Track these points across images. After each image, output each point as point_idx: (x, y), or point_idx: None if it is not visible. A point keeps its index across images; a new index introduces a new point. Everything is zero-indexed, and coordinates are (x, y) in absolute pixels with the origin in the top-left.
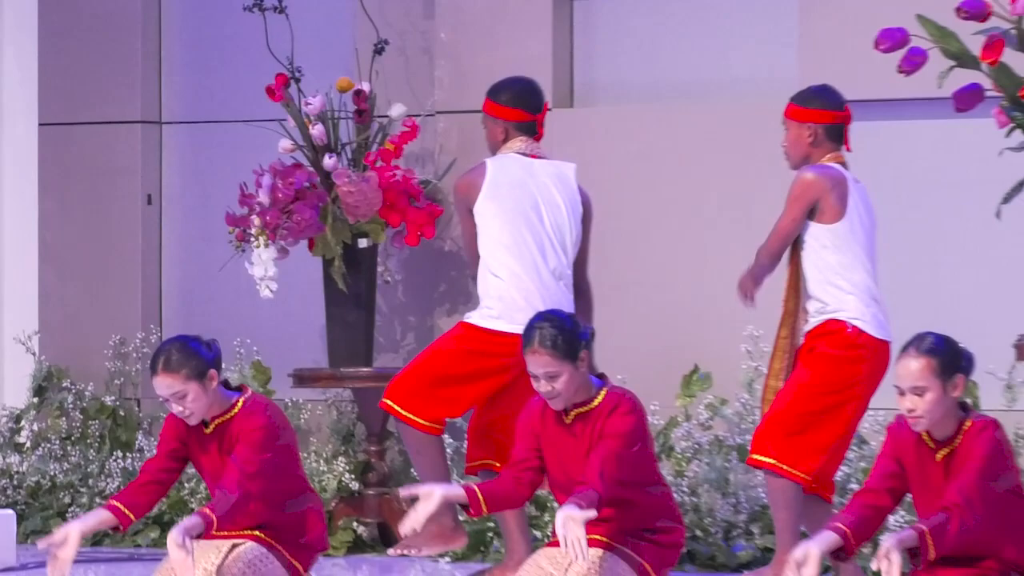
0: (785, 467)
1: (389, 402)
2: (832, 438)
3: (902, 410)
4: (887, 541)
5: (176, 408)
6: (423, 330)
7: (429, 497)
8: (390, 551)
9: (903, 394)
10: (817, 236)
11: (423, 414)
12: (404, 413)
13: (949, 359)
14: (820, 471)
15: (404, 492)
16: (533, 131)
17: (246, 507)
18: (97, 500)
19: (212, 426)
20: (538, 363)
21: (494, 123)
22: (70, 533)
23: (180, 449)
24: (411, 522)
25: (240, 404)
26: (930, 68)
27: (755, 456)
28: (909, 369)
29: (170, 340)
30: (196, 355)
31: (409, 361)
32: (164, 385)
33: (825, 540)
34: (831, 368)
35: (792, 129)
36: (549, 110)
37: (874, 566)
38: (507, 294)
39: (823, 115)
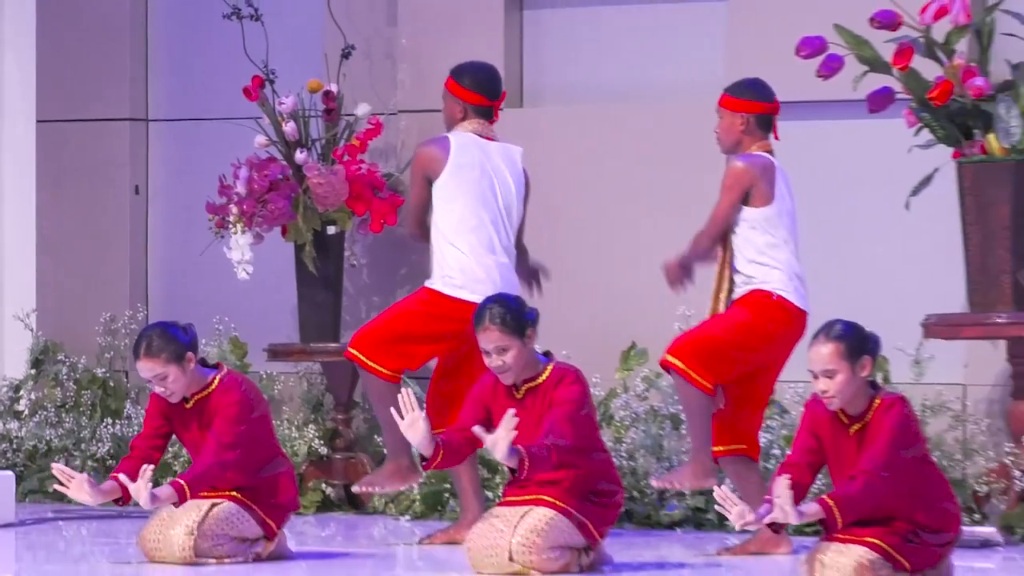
0: (692, 373)
1: (355, 351)
2: (735, 372)
3: (817, 391)
4: (791, 516)
5: (158, 389)
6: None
7: (415, 424)
8: (354, 488)
9: (816, 377)
10: (748, 219)
11: (385, 365)
12: (368, 363)
13: (856, 343)
14: (738, 426)
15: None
16: (490, 115)
17: (222, 475)
18: (89, 463)
19: (192, 402)
20: (489, 339)
21: (454, 102)
22: (84, 488)
23: (164, 425)
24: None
25: (217, 381)
26: (846, 73)
27: (668, 357)
28: (820, 354)
29: (150, 327)
30: (174, 340)
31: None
32: (146, 368)
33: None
34: (756, 318)
35: (725, 117)
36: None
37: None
38: (468, 267)
39: (755, 106)
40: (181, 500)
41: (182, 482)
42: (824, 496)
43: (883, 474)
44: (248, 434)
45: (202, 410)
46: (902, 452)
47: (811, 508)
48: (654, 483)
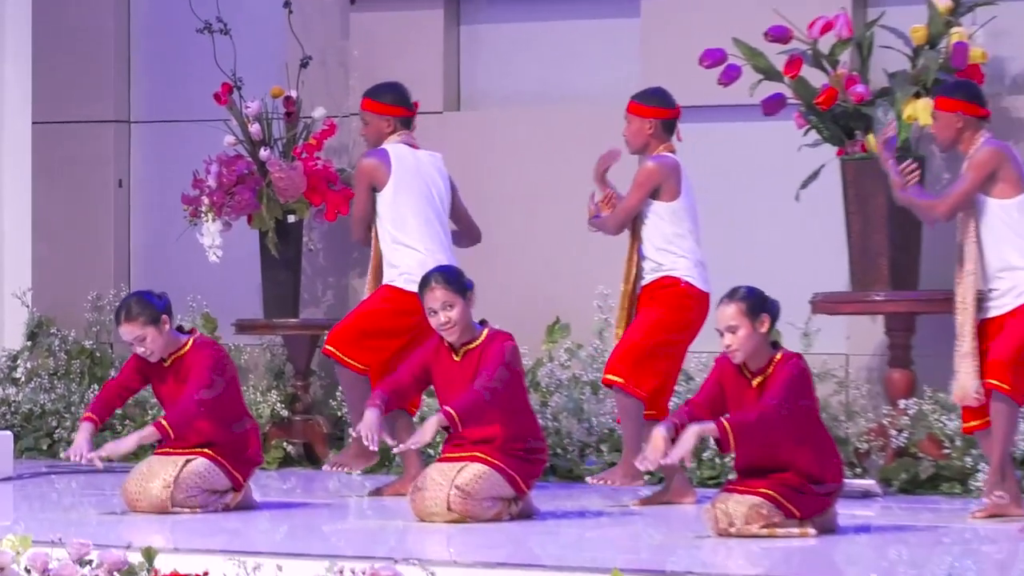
0: (632, 386)
1: (331, 348)
2: (665, 366)
3: (723, 347)
4: (689, 430)
5: (139, 350)
6: (339, 288)
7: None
8: (325, 467)
9: (722, 334)
10: (657, 212)
11: (358, 359)
12: (343, 357)
13: (755, 303)
14: (656, 395)
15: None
16: (410, 125)
17: (197, 420)
18: (75, 420)
19: (169, 361)
20: (436, 298)
21: (380, 119)
22: (84, 452)
23: (136, 381)
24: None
25: (191, 342)
26: (744, 80)
27: (608, 376)
28: (725, 313)
29: (129, 295)
30: (150, 305)
31: (343, 313)
32: (127, 331)
33: (668, 426)
34: (669, 313)
35: (634, 122)
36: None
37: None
38: (426, 263)
39: (660, 112)
40: (164, 438)
41: (164, 422)
42: (721, 418)
43: (778, 411)
44: (221, 385)
45: (178, 368)
46: (797, 399)
47: (708, 427)
48: (589, 481)
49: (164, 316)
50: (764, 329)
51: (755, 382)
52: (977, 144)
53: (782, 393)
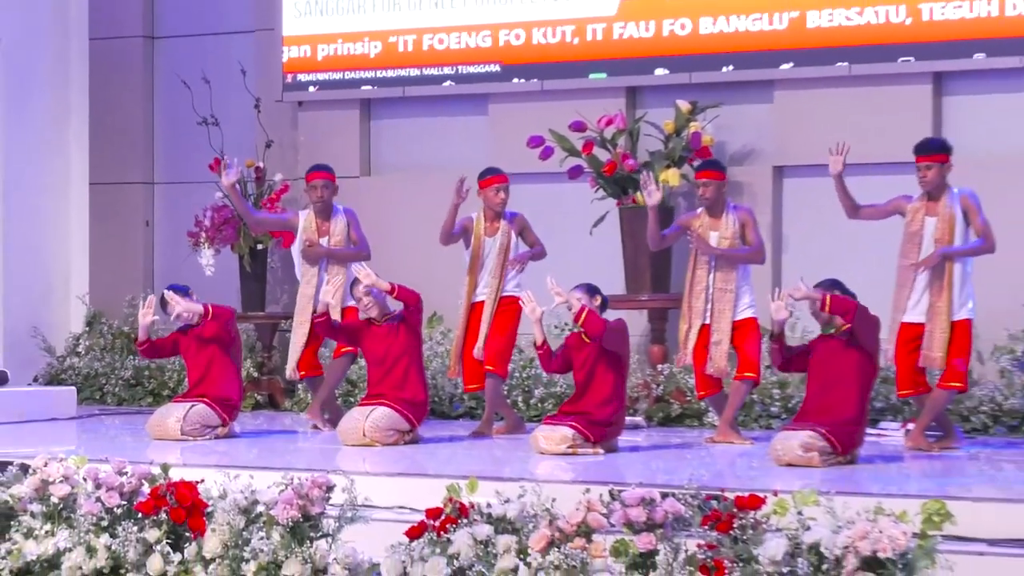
0: (499, 372)
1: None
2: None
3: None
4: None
5: (182, 316)
6: (292, 294)
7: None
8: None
9: (570, 308)
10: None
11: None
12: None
13: (593, 290)
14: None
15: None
16: None
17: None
18: (119, 381)
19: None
20: (361, 292)
21: (336, 187)
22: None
23: (170, 344)
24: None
25: (211, 309)
26: (556, 156)
27: (487, 367)
28: (574, 295)
29: (169, 286)
30: (184, 290)
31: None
32: (174, 302)
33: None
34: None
35: (480, 194)
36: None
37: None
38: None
39: (490, 182)
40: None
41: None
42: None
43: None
44: (235, 337)
45: (202, 331)
46: (613, 336)
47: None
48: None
49: (190, 290)
50: (596, 304)
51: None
52: (728, 203)
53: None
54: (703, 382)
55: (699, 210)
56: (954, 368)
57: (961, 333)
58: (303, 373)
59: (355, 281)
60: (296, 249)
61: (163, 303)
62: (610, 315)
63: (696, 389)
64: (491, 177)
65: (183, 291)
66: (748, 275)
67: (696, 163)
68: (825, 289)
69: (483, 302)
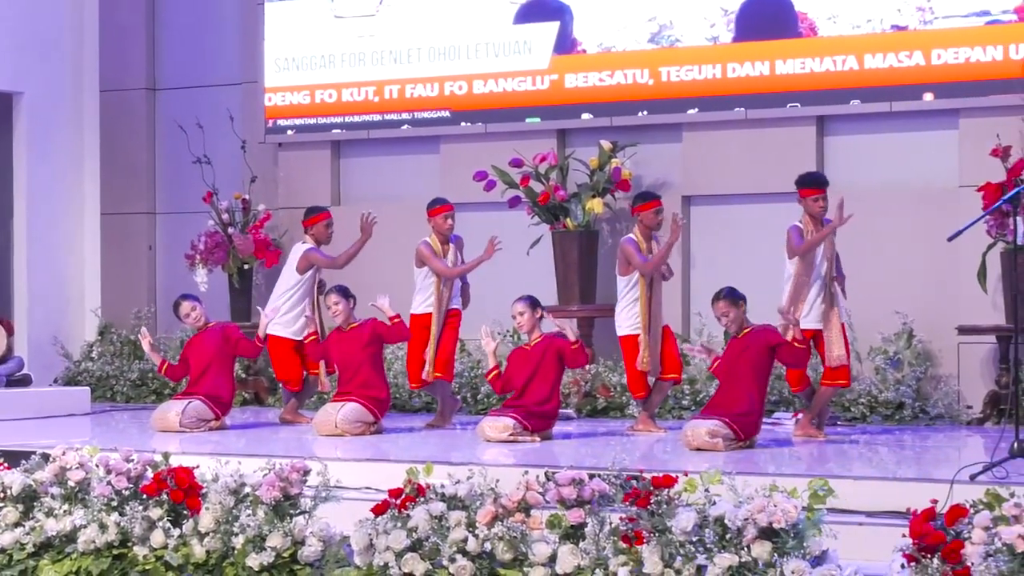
0: (447, 376)
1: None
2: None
3: (516, 325)
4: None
5: (191, 316)
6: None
7: None
8: (280, 418)
9: (514, 317)
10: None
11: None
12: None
13: (534, 302)
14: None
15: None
16: None
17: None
18: (127, 382)
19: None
20: (332, 300)
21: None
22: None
23: (183, 365)
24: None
25: (212, 324)
26: (498, 189)
27: (436, 374)
28: (516, 307)
29: (182, 295)
30: (195, 297)
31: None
32: (186, 307)
33: None
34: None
35: (430, 222)
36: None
37: None
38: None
39: (439, 211)
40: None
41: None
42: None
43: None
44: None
45: (203, 337)
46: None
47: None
48: (455, 422)
49: (201, 303)
50: (538, 316)
51: (530, 345)
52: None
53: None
54: (645, 385)
55: (631, 237)
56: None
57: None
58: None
59: (328, 291)
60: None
61: (176, 308)
62: (545, 324)
63: (639, 390)
64: (440, 207)
65: (194, 299)
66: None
67: (618, 194)
68: (725, 295)
69: (431, 314)
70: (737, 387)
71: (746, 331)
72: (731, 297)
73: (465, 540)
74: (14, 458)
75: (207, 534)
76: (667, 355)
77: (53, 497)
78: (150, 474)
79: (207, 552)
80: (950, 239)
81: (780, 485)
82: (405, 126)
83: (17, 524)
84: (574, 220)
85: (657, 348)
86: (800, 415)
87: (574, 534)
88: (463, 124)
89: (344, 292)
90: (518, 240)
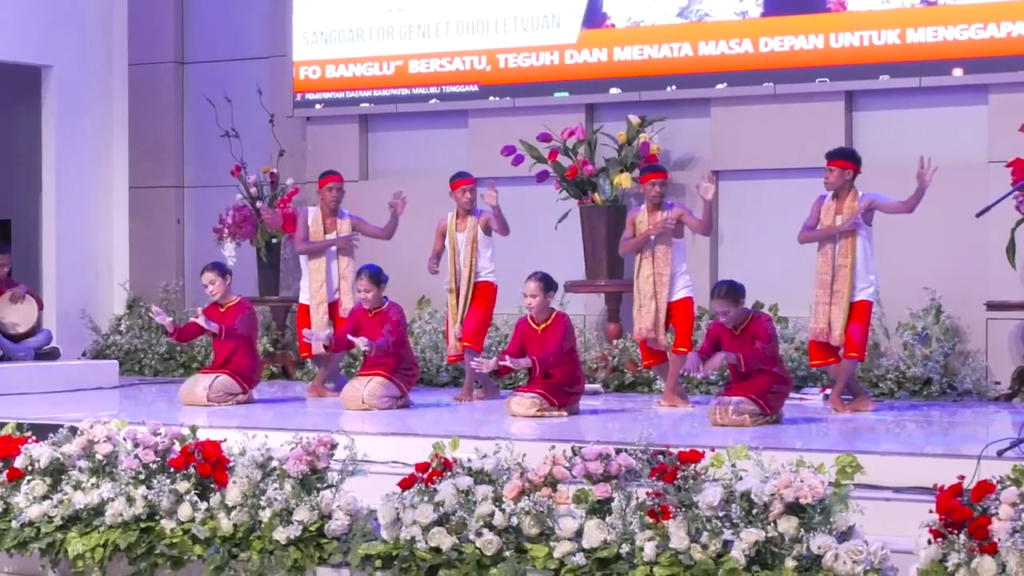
0: (476, 347)
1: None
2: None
3: (526, 305)
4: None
5: (209, 288)
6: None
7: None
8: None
9: (526, 296)
10: (488, 242)
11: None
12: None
13: (549, 282)
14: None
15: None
16: None
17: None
18: (155, 356)
19: (224, 307)
20: (361, 285)
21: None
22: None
23: (195, 327)
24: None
25: (237, 299)
26: (527, 163)
27: (465, 344)
28: (529, 286)
29: (212, 263)
30: (223, 266)
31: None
32: (207, 277)
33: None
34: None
35: (451, 195)
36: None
37: None
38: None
39: (458, 184)
40: (219, 334)
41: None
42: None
43: (551, 359)
44: (254, 325)
45: (225, 311)
46: (565, 343)
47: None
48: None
49: (228, 275)
50: (551, 298)
51: (540, 328)
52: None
53: (559, 342)
54: (648, 354)
55: (640, 207)
56: (851, 340)
57: (860, 311)
58: (305, 355)
59: (359, 275)
60: (299, 239)
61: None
62: (573, 298)
63: (642, 359)
64: (459, 180)
65: (221, 268)
66: (683, 262)
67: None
68: (725, 294)
69: (460, 287)
70: (757, 372)
71: (748, 320)
72: (731, 296)
73: (492, 514)
74: (42, 431)
75: (234, 507)
76: (679, 328)
77: (81, 470)
78: (178, 447)
79: (234, 526)
80: (978, 215)
81: (807, 461)
82: (433, 100)
83: (45, 497)
84: (602, 195)
85: (650, 318)
86: (828, 390)
87: (600, 509)
88: (491, 98)
89: (375, 279)
90: (546, 215)
